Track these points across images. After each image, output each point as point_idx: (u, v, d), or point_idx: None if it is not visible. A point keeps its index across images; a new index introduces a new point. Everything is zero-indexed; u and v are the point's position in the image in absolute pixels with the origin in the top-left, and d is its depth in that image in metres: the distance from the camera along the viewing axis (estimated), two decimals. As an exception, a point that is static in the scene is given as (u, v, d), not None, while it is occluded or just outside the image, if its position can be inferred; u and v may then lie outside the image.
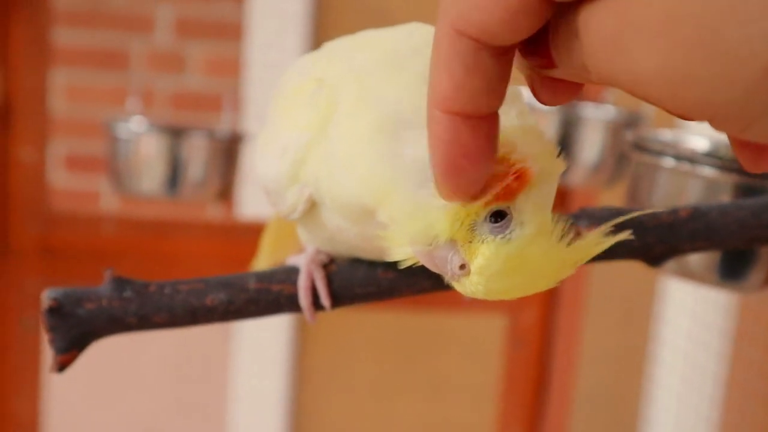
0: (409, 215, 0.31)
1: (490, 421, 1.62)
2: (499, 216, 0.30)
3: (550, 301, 1.25)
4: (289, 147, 0.38)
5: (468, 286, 0.31)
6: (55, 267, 1.13)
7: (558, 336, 1.30)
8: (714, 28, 0.19)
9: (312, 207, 0.40)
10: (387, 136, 0.33)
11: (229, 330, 1.68)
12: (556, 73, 0.25)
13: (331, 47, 0.42)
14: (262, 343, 1.67)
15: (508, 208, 0.30)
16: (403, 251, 0.32)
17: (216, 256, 1.16)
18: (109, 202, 1.74)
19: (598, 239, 0.31)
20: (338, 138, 0.36)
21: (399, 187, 0.32)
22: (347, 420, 1.76)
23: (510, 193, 0.29)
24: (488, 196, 0.29)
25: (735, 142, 0.24)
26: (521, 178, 0.29)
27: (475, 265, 0.30)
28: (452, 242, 0.30)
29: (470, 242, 0.30)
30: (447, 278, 0.31)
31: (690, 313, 1.38)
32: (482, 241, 0.30)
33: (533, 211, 0.30)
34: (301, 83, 0.40)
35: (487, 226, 0.30)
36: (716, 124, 0.21)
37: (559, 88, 0.26)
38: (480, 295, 0.31)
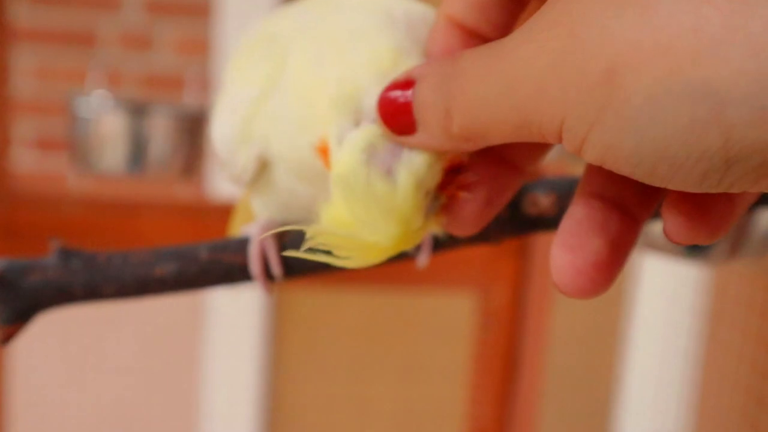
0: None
1: (461, 400, 1.63)
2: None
3: (520, 280, 1.25)
4: (238, 104, 0.38)
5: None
6: (19, 248, 1.11)
7: (528, 315, 1.29)
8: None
9: (264, 170, 0.39)
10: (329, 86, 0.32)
11: (201, 310, 1.67)
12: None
13: (288, 8, 0.41)
14: (235, 324, 1.66)
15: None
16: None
17: (184, 235, 1.15)
18: (78, 183, 1.72)
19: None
20: (286, 92, 0.35)
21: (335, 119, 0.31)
22: (320, 400, 1.76)
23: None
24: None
25: (663, 208, 0.25)
26: None
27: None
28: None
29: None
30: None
31: (663, 292, 1.38)
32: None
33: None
34: (254, 40, 0.39)
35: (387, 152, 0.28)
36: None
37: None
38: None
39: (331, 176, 0.29)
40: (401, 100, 0.27)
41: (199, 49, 1.68)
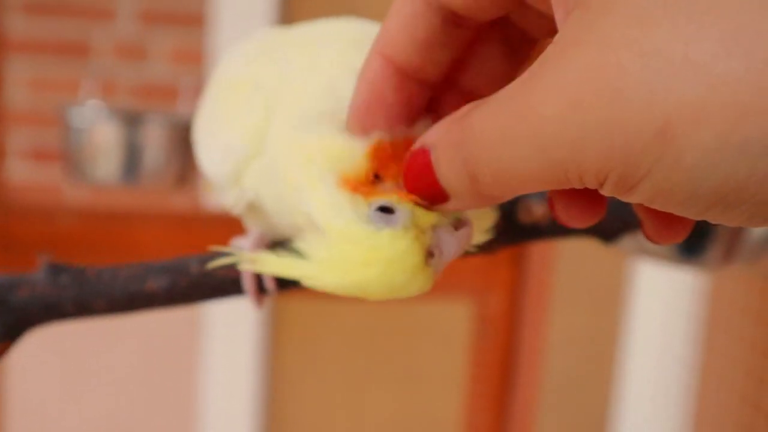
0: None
1: (458, 408, 1.62)
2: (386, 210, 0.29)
3: (516, 287, 1.25)
4: (230, 153, 0.38)
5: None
6: (13, 260, 1.11)
7: (525, 323, 1.29)
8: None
9: (254, 204, 0.40)
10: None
11: (199, 322, 1.67)
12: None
13: (271, 39, 0.42)
14: (232, 334, 1.65)
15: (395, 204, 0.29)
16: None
17: (178, 244, 1.14)
18: (72, 194, 1.72)
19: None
20: (272, 151, 0.35)
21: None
22: (318, 409, 1.75)
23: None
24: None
25: (640, 209, 0.27)
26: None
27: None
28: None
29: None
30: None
31: (660, 298, 1.38)
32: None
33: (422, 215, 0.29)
34: (238, 80, 0.40)
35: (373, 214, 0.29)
36: (607, 187, 0.22)
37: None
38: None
39: (325, 231, 0.29)
40: (425, 176, 0.27)
41: (194, 59, 1.68)
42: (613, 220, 0.44)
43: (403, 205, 0.28)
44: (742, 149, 0.19)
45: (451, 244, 0.29)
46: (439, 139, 0.26)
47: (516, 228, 0.44)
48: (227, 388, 1.68)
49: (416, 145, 0.27)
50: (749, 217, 0.21)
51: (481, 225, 0.33)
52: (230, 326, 1.65)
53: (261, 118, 0.37)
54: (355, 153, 0.29)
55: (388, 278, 0.28)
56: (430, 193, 0.27)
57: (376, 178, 0.29)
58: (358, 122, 0.30)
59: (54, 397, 1.72)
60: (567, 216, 0.27)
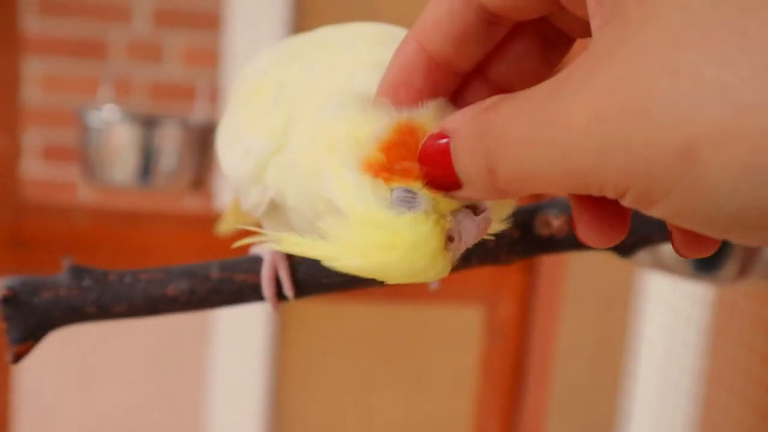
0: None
1: (467, 412, 1.62)
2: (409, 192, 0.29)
3: (527, 292, 1.25)
4: (252, 151, 0.39)
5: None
6: (26, 258, 1.12)
7: (535, 328, 1.29)
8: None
9: (275, 205, 0.40)
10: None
11: (207, 322, 1.67)
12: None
13: (292, 45, 0.43)
14: (240, 336, 1.66)
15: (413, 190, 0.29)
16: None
17: (191, 247, 1.15)
18: (85, 192, 1.73)
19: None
20: (295, 147, 0.36)
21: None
22: (326, 412, 1.75)
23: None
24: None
25: (669, 222, 0.26)
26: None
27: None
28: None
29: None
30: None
31: (668, 306, 1.38)
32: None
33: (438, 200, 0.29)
34: (262, 83, 0.40)
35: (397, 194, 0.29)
36: (628, 199, 0.22)
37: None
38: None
39: (347, 215, 0.30)
40: (441, 161, 0.27)
41: (209, 60, 1.69)
42: (630, 235, 0.44)
43: (425, 190, 0.29)
44: (764, 176, 0.20)
45: (471, 230, 0.30)
46: (462, 126, 0.26)
47: (534, 240, 0.44)
48: (236, 388, 1.68)
49: (436, 129, 0.28)
50: (766, 239, 0.21)
51: (500, 214, 0.34)
52: (239, 327, 1.65)
53: (284, 116, 0.37)
54: (376, 135, 0.30)
55: (408, 262, 0.29)
56: (443, 178, 0.27)
57: (396, 160, 0.29)
58: (385, 100, 0.30)
59: (63, 396, 1.73)
60: (588, 235, 0.28)
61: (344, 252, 0.30)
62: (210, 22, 1.69)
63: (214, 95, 1.61)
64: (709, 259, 0.66)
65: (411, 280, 0.30)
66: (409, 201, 0.29)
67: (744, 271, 0.66)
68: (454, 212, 0.29)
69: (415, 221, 0.29)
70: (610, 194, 0.22)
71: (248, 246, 0.45)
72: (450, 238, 0.29)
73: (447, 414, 1.74)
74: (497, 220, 0.34)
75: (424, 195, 0.29)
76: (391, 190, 0.29)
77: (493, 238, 0.33)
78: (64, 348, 1.66)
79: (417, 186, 0.29)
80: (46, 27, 1.70)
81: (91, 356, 1.71)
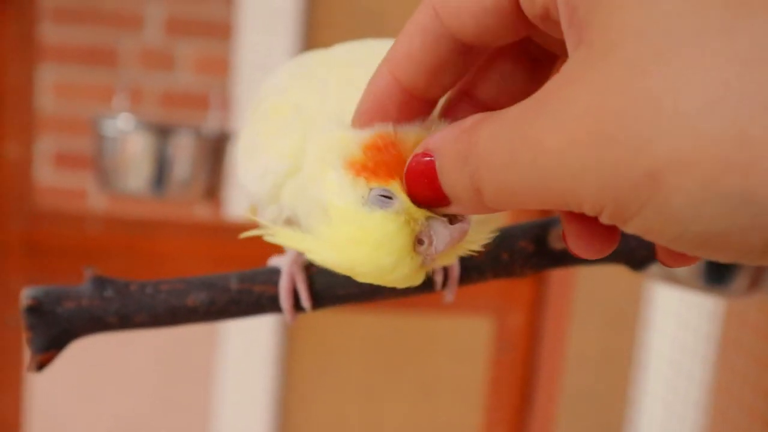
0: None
1: (476, 423, 1.62)
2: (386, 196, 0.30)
3: (536, 304, 1.25)
4: (269, 171, 0.40)
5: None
6: (39, 265, 1.12)
7: (544, 339, 1.29)
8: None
9: (291, 222, 0.41)
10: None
11: (215, 330, 1.68)
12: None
13: (309, 63, 0.44)
14: (248, 344, 1.66)
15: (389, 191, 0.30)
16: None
17: (203, 256, 1.15)
18: (97, 200, 1.74)
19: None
20: (306, 170, 0.37)
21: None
22: (334, 421, 1.76)
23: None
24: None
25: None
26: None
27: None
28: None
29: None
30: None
31: (676, 318, 1.38)
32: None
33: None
34: (280, 104, 0.41)
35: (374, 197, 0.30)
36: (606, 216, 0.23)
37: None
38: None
39: (328, 210, 0.31)
40: (428, 180, 0.28)
41: (221, 69, 1.69)
42: (641, 248, 0.44)
43: (401, 193, 0.29)
44: (723, 200, 0.20)
45: (443, 236, 0.30)
46: (445, 147, 0.27)
47: (548, 254, 0.45)
48: (244, 396, 1.69)
49: (420, 148, 0.28)
50: (738, 258, 0.22)
51: (488, 227, 0.35)
52: (248, 335, 1.66)
53: (299, 138, 0.38)
54: (360, 138, 0.31)
55: (375, 259, 0.30)
56: (432, 196, 0.28)
57: (377, 162, 0.30)
58: (360, 128, 0.31)
59: (74, 403, 1.74)
60: (577, 247, 0.28)
61: (323, 246, 0.31)
62: (222, 30, 1.69)
63: (226, 104, 1.62)
64: (720, 274, 0.67)
65: (381, 279, 0.31)
66: (384, 201, 0.30)
67: (755, 284, 0.66)
68: (428, 217, 0.30)
69: (384, 219, 0.29)
70: (589, 212, 0.23)
71: (262, 252, 0.46)
72: (419, 241, 0.30)
73: (455, 424, 1.74)
74: (486, 231, 0.35)
75: (401, 197, 0.29)
76: (370, 189, 0.30)
77: (476, 253, 0.34)
78: (74, 355, 1.67)
79: (395, 187, 0.29)
80: (59, 35, 1.71)
81: (101, 363, 1.72)
